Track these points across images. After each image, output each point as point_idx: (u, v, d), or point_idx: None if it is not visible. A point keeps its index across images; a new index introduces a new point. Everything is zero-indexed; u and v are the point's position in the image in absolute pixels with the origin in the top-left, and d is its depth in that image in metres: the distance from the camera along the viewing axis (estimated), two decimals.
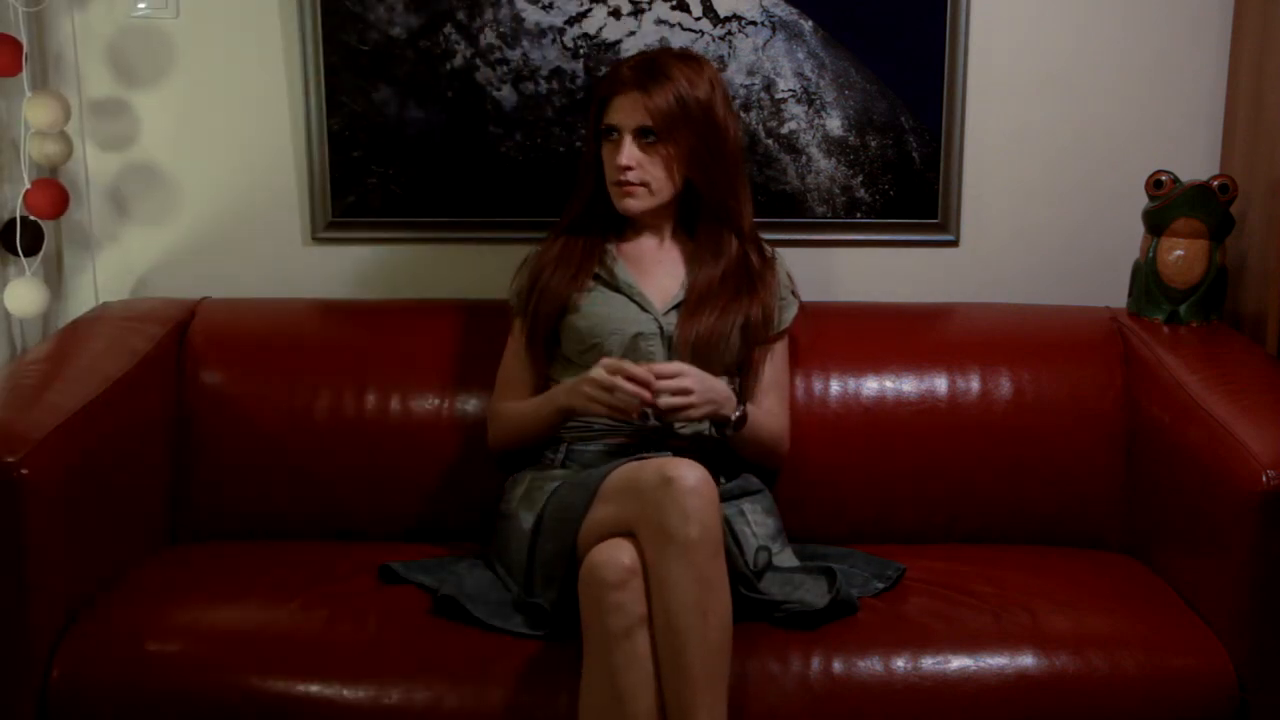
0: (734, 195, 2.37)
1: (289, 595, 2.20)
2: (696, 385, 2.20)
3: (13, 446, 2.05)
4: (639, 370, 2.18)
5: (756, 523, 2.29)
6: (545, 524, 2.15)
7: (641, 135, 2.31)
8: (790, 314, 2.44)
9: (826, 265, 2.73)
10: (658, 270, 2.41)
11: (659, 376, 2.18)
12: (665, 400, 2.17)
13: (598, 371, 2.20)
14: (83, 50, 2.71)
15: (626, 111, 2.31)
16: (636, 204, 2.35)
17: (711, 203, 2.36)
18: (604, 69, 2.64)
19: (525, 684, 2.05)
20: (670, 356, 2.32)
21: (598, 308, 2.36)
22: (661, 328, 2.35)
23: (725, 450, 2.34)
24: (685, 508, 1.94)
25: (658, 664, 1.95)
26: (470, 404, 2.51)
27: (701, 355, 2.31)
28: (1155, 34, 2.70)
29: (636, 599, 1.95)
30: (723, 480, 2.30)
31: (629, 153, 2.31)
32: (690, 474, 1.97)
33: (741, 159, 2.41)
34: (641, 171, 2.32)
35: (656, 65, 2.33)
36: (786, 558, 2.31)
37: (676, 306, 2.36)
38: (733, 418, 2.28)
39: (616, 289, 2.38)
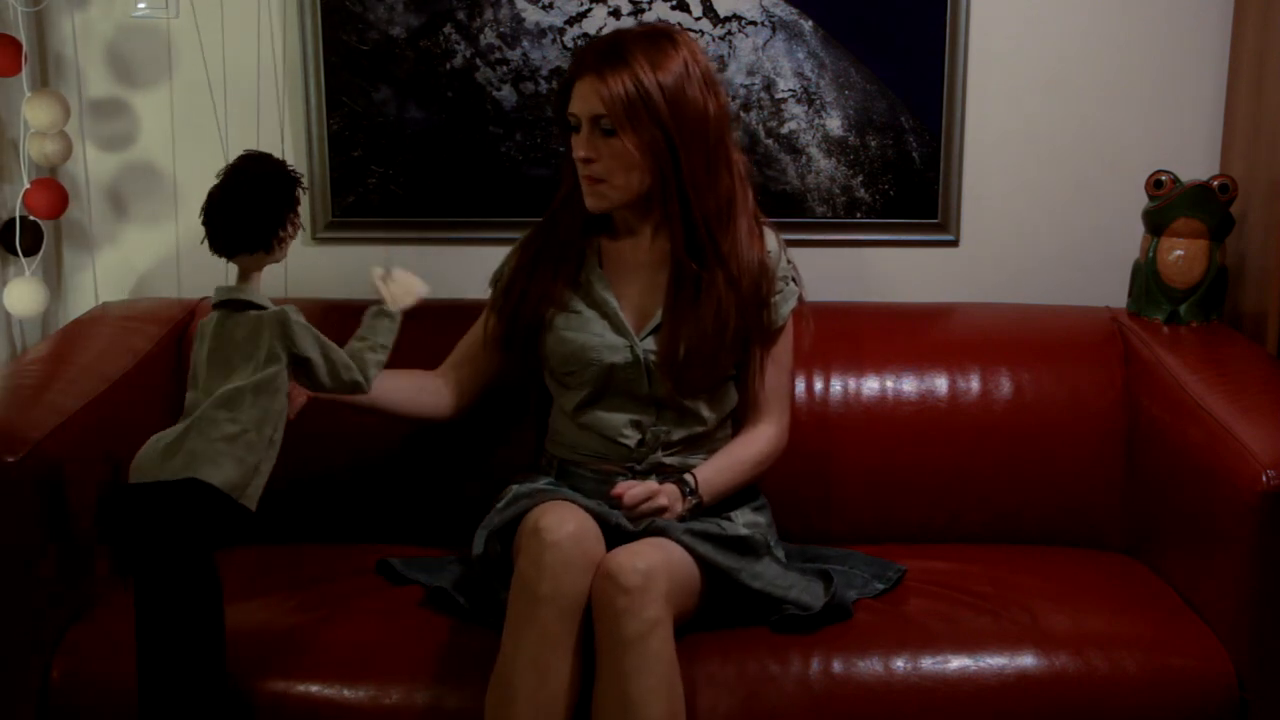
0: (710, 186, 2.14)
1: (289, 595, 2.21)
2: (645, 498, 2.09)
3: (13, 446, 2.05)
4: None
5: (747, 523, 2.26)
6: (503, 508, 2.16)
7: (599, 125, 2.12)
8: (788, 306, 2.30)
9: (826, 265, 2.72)
10: (638, 279, 2.25)
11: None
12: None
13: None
14: (82, 50, 2.71)
15: (583, 98, 2.12)
16: (596, 203, 2.17)
17: (683, 199, 2.14)
18: None
19: None
20: (650, 387, 2.21)
21: (573, 333, 2.23)
22: (638, 356, 2.21)
23: None
24: (541, 561, 1.91)
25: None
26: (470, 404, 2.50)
27: (685, 380, 2.20)
28: (1155, 34, 2.70)
29: (649, 603, 1.91)
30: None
31: (584, 143, 2.12)
32: (562, 527, 1.93)
33: (724, 142, 2.18)
34: (600, 165, 2.13)
35: (615, 48, 2.11)
36: (778, 553, 2.29)
37: (656, 330, 2.21)
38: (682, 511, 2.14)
39: (594, 305, 2.25)
